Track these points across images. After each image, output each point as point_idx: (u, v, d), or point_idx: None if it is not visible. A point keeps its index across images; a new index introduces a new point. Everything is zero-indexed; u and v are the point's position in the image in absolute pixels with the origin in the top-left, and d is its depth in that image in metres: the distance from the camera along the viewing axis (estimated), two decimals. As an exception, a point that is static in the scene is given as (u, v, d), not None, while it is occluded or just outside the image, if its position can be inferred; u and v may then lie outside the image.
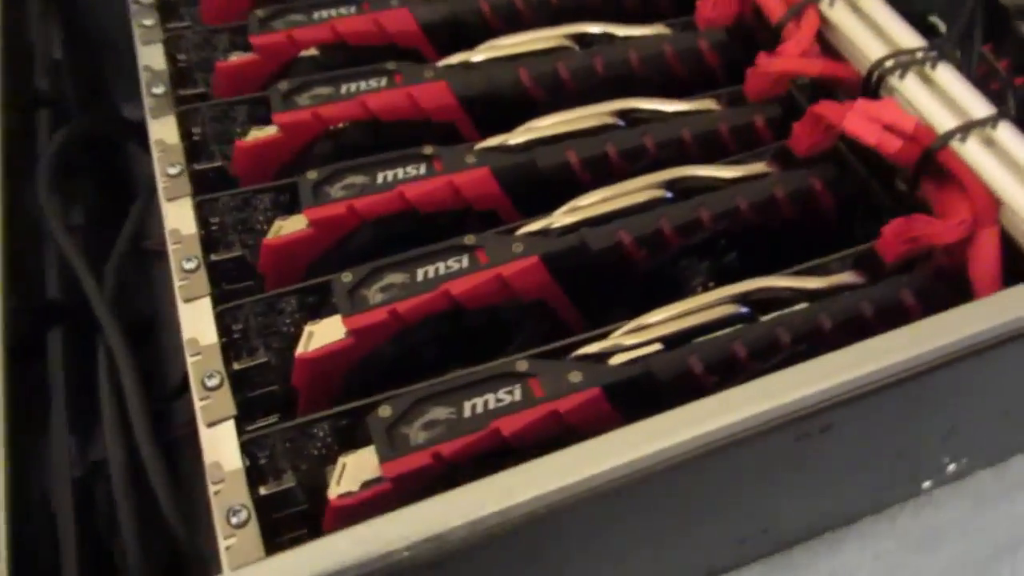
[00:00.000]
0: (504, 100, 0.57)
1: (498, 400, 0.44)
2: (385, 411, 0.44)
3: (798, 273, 0.50)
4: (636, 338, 0.47)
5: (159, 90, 0.61)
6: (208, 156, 0.59)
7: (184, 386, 0.57)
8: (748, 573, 0.57)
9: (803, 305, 0.48)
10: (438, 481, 0.42)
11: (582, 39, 0.62)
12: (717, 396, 0.42)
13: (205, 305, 0.52)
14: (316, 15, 0.61)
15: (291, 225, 0.53)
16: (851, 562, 0.58)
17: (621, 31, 0.62)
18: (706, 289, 0.55)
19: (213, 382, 0.48)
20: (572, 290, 0.51)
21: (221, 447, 0.47)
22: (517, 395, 0.44)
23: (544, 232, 0.52)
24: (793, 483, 0.51)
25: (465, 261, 0.50)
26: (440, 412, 0.44)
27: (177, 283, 0.52)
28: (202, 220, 0.55)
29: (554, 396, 0.44)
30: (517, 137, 0.55)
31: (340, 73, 0.58)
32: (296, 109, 0.56)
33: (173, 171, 0.56)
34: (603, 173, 0.55)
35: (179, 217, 0.55)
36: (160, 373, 0.64)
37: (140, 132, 0.61)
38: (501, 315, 0.51)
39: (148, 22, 0.65)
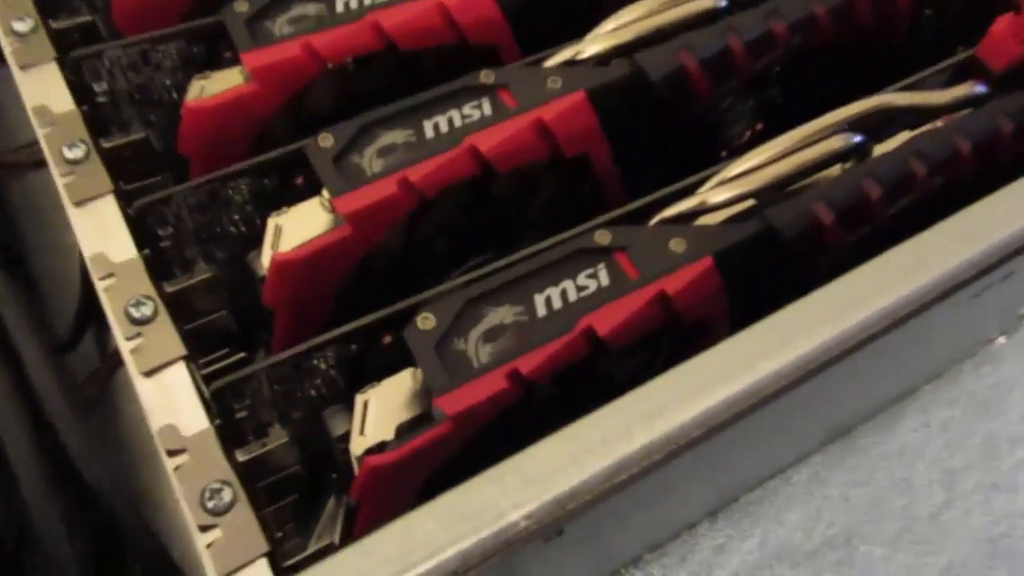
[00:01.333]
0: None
1: (580, 288, 0.32)
2: (427, 321, 0.30)
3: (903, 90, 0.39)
4: (729, 191, 0.35)
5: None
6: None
7: (80, 326, 0.41)
8: (817, 460, 0.49)
9: (928, 127, 0.37)
10: (515, 413, 0.30)
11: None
12: (883, 259, 0.31)
13: (108, 208, 0.36)
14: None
15: (219, 82, 0.37)
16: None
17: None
18: (755, 135, 0.44)
19: (143, 312, 0.33)
20: (616, 141, 0.38)
21: (172, 402, 0.32)
22: (605, 279, 0.32)
23: (579, 62, 0.38)
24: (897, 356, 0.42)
25: (487, 106, 0.36)
26: (505, 312, 0.31)
27: (60, 181, 0.36)
28: (81, 90, 0.38)
29: (655, 275, 0.32)
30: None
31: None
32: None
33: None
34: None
35: (43, 88, 0.38)
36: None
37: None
38: (534, 181, 0.37)
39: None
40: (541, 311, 0.31)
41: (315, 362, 0.32)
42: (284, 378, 0.32)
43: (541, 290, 0.31)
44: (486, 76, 0.36)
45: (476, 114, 0.35)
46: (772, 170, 0.35)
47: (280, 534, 0.38)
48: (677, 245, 0.32)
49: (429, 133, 0.35)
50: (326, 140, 0.34)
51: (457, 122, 0.35)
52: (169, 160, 0.40)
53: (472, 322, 0.31)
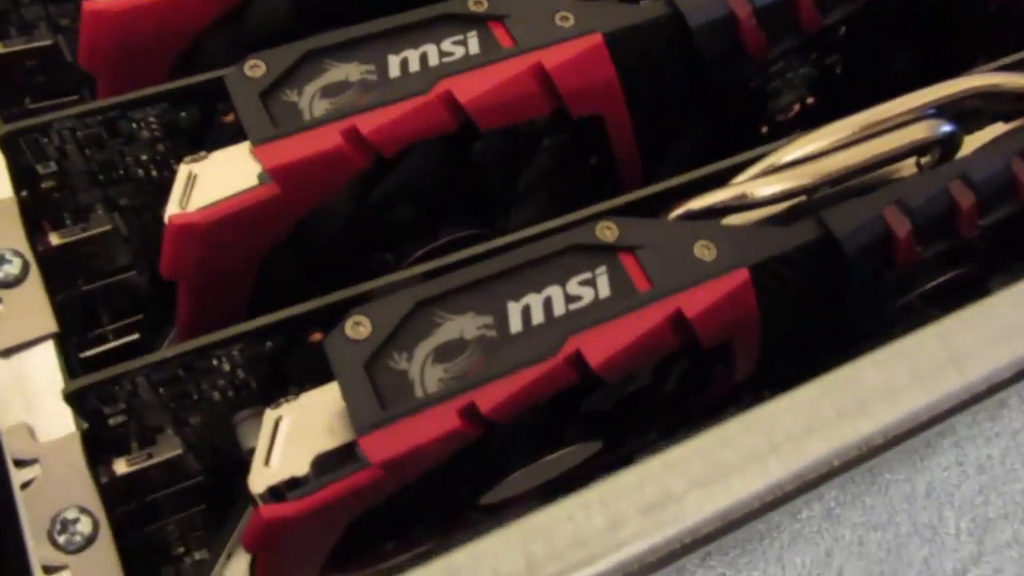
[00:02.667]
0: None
1: (571, 298, 0.24)
2: (359, 328, 0.22)
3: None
4: (780, 183, 0.27)
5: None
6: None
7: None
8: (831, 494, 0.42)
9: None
10: (470, 454, 0.22)
11: None
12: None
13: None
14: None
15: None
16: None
17: None
18: (803, 110, 0.36)
19: (7, 271, 0.26)
20: (637, 102, 0.30)
21: (31, 399, 0.25)
22: (605, 288, 0.24)
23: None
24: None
25: (474, 42, 0.28)
26: (467, 323, 0.23)
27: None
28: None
29: (672, 288, 0.24)
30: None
31: None
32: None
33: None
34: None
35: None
36: None
37: None
38: (527, 144, 0.29)
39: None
40: (516, 326, 0.23)
41: (215, 362, 0.24)
42: (172, 379, 0.24)
43: (519, 297, 0.23)
44: (475, 3, 0.28)
45: (459, 51, 0.27)
46: (835, 161, 0.27)
47: (182, 549, 0.31)
48: (704, 250, 0.24)
49: (394, 71, 0.27)
50: (255, 68, 0.26)
51: (433, 60, 0.27)
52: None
53: (421, 334, 0.23)
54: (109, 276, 0.31)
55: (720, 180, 0.27)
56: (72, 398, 0.23)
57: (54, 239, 0.29)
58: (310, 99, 0.26)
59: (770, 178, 0.27)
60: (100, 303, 0.31)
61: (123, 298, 0.32)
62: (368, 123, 0.25)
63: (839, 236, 0.25)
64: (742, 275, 0.24)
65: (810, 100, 0.36)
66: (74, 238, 0.29)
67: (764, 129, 0.35)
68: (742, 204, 0.26)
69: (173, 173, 0.27)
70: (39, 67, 0.32)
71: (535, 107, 0.28)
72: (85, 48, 0.29)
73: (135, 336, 0.31)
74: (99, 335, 0.31)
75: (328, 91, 0.26)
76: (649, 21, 0.28)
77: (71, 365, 0.26)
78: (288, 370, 0.26)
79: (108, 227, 0.29)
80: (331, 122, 0.25)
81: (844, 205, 0.26)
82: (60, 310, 0.27)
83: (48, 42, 0.32)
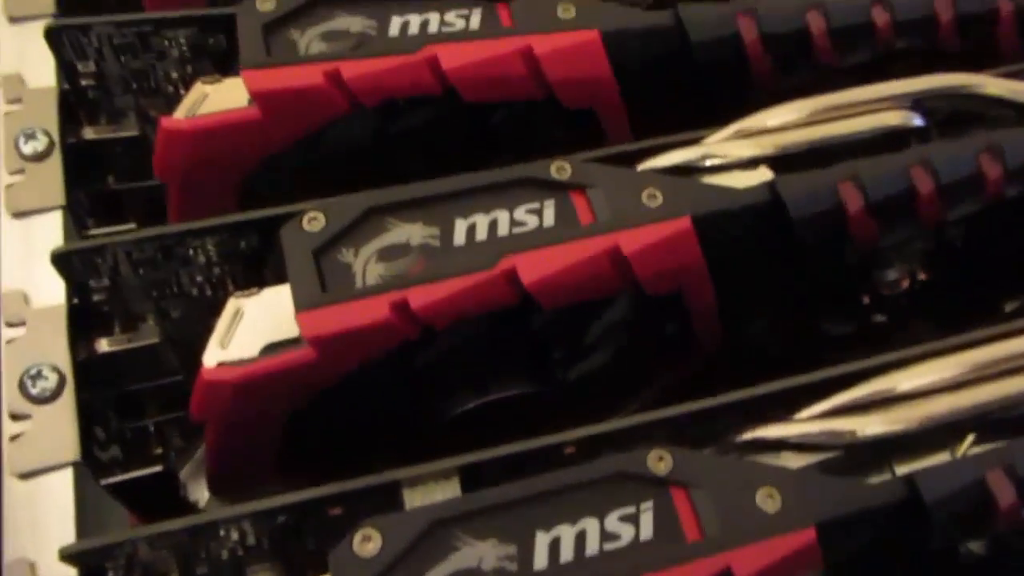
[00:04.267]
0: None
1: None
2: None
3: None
4: (739, 148, 0.28)
5: None
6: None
7: None
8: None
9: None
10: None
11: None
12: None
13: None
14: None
15: (224, 95, 0.29)
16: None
17: None
18: (914, 283, 0.32)
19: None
20: (724, 281, 0.28)
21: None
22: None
23: (690, 169, 0.28)
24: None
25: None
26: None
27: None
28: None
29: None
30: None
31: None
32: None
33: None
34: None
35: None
36: None
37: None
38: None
39: None
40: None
41: (190, 251, 0.27)
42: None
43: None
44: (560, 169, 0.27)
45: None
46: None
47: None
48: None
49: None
50: (314, 222, 0.25)
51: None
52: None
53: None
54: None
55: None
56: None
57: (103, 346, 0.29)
58: (365, 261, 0.25)
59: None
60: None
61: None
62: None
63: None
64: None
65: (922, 276, 0.31)
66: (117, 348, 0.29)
67: (866, 300, 0.31)
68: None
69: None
70: (124, 154, 0.33)
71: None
72: (158, 160, 0.29)
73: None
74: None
75: (385, 254, 0.25)
76: (746, 208, 0.27)
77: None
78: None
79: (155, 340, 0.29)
80: (381, 293, 0.24)
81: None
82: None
83: (135, 133, 0.32)
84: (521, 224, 0.25)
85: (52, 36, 0.30)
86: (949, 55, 0.32)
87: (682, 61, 0.30)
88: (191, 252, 0.27)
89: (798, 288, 0.30)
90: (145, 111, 0.32)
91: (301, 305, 0.24)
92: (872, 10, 0.31)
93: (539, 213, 0.25)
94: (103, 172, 0.33)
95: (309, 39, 0.28)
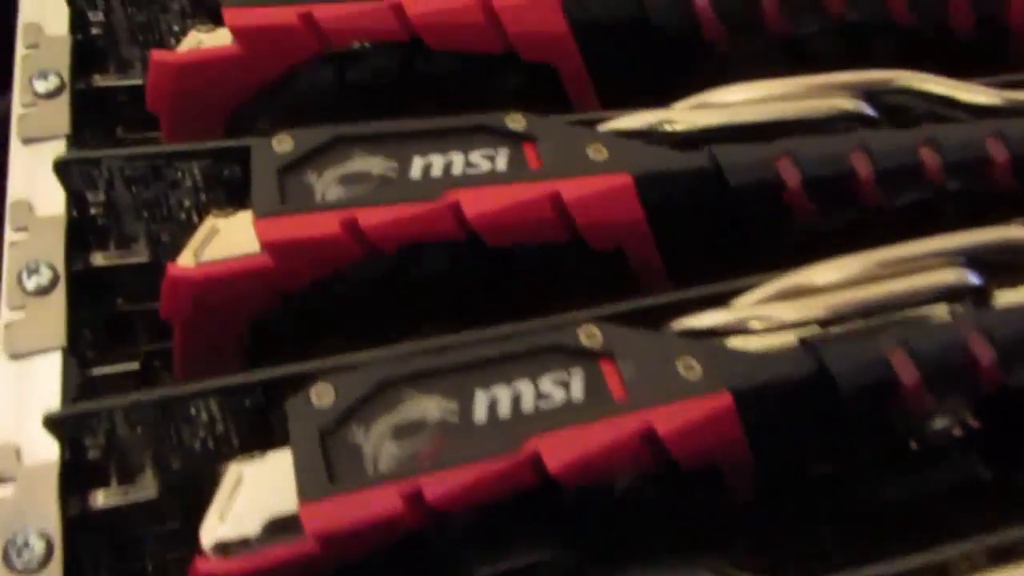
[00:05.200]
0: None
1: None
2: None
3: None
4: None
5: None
6: (119, 64, 0.36)
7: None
8: None
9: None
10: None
11: None
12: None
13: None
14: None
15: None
16: None
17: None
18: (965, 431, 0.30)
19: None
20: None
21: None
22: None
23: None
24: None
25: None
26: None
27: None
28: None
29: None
30: (681, 119, 0.31)
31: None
32: (269, 3, 0.31)
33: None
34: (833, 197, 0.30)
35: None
36: None
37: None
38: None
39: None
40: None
41: (192, 411, 0.25)
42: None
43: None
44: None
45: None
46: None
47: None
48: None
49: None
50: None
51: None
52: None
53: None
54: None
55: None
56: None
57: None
58: (326, 183, 0.27)
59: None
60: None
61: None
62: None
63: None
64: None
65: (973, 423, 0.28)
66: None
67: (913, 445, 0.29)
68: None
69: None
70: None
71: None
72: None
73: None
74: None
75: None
76: (782, 378, 0.25)
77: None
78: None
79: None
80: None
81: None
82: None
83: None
84: (547, 397, 0.23)
85: (61, 168, 0.29)
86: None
87: (719, 204, 0.29)
88: (194, 411, 0.25)
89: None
90: (157, 237, 0.31)
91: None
92: (920, 151, 0.29)
93: (567, 386, 0.24)
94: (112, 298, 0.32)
95: (327, 182, 0.27)
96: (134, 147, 0.30)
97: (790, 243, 0.29)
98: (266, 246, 0.25)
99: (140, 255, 0.31)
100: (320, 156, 0.27)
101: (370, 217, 0.26)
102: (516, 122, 0.29)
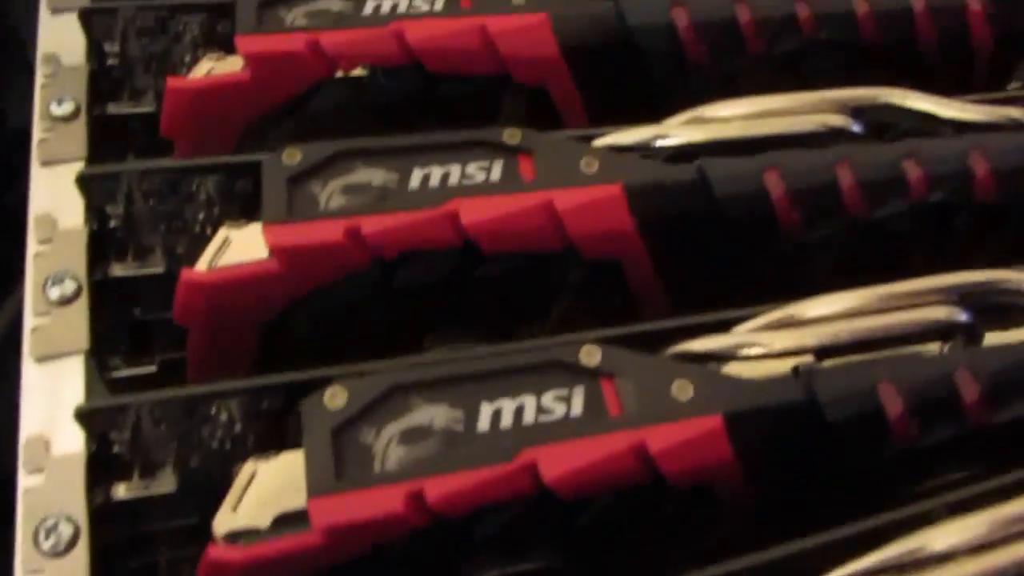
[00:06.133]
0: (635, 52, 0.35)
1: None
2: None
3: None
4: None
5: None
6: (133, 93, 0.37)
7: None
8: None
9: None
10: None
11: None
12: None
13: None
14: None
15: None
16: None
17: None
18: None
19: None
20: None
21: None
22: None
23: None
24: None
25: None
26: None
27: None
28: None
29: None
30: (673, 134, 0.32)
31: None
32: (279, 31, 0.33)
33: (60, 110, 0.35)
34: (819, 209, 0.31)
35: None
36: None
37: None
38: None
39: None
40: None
41: (213, 411, 0.27)
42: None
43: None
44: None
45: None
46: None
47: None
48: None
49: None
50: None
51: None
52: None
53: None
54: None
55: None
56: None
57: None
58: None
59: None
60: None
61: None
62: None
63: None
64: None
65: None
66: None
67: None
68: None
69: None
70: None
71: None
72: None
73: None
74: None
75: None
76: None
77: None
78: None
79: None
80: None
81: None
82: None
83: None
84: (547, 411, 0.25)
85: (83, 182, 0.31)
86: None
87: (708, 215, 0.30)
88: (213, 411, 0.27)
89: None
90: (173, 248, 0.33)
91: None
92: (904, 163, 0.31)
93: (567, 401, 0.25)
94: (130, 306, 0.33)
95: (332, 192, 0.29)
96: (151, 161, 0.31)
97: (778, 255, 0.31)
98: (274, 251, 0.27)
99: (157, 265, 0.32)
100: (326, 168, 0.29)
101: (372, 225, 0.28)
102: (512, 136, 0.30)
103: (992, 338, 0.29)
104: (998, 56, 0.38)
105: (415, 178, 0.29)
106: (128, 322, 0.33)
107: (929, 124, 0.33)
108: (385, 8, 0.33)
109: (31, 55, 0.37)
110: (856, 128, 0.32)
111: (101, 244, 0.31)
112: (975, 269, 0.29)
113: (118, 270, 0.32)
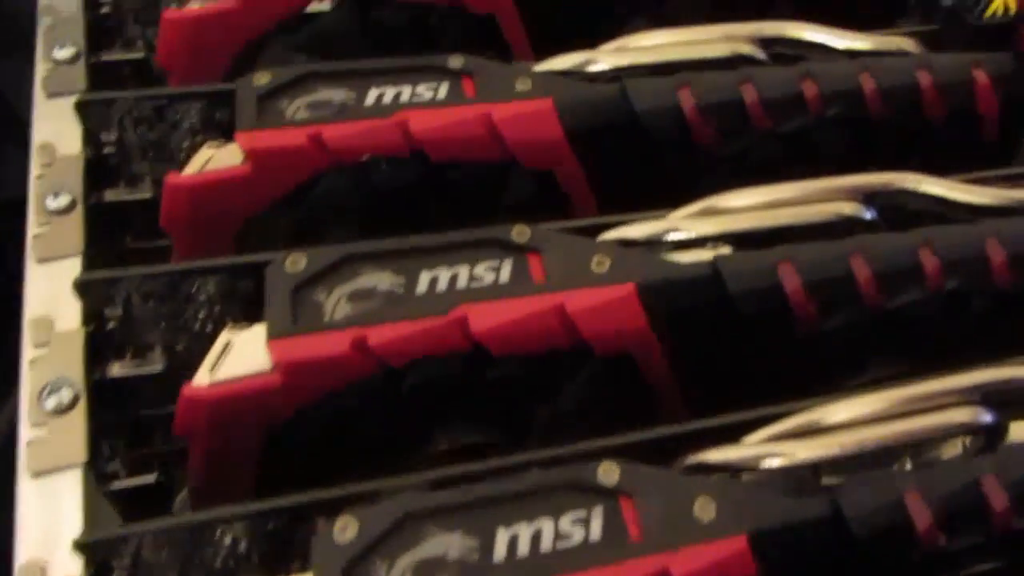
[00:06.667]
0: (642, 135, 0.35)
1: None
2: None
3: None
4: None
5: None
6: (130, 179, 0.36)
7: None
8: None
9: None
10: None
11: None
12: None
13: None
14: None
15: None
16: None
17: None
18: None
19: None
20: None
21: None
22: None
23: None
24: None
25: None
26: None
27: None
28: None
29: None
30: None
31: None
32: (280, 126, 0.33)
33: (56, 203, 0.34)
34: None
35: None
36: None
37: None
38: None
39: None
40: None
41: (217, 535, 0.26)
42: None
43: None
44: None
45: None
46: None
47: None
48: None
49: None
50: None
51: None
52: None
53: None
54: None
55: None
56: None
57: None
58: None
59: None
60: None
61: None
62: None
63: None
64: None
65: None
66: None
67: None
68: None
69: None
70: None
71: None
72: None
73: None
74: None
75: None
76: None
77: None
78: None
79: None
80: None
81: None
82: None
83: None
84: (566, 537, 0.24)
85: (81, 288, 0.30)
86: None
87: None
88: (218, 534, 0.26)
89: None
90: (172, 347, 0.32)
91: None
92: (920, 252, 0.30)
93: (586, 524, 0.24)
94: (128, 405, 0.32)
95: (336, 299, 0.28)
96: (152, 265, 0.31)
97: (794, 346, 0.30)
98: (279, 366, 0.26)
99: (155, 364, 0.31)
100: (331, 274, 0.28)
101: (379, 335, 0.27)
102: (521, 235, 0.29)
103: (1016, 429, 0.28)
104: (1006, 128, 0.37)
105: (423, 282, 0.28)
106: (127, 421, 0.32)
107: (943, 208, 0.32)
108: (388, 98, 0.32)
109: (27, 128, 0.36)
110: (868, 215, 0.32)
111: (99, 346, 0.30)
112: (995, 362, 0.29)
113: (116, 370, 0.31)
